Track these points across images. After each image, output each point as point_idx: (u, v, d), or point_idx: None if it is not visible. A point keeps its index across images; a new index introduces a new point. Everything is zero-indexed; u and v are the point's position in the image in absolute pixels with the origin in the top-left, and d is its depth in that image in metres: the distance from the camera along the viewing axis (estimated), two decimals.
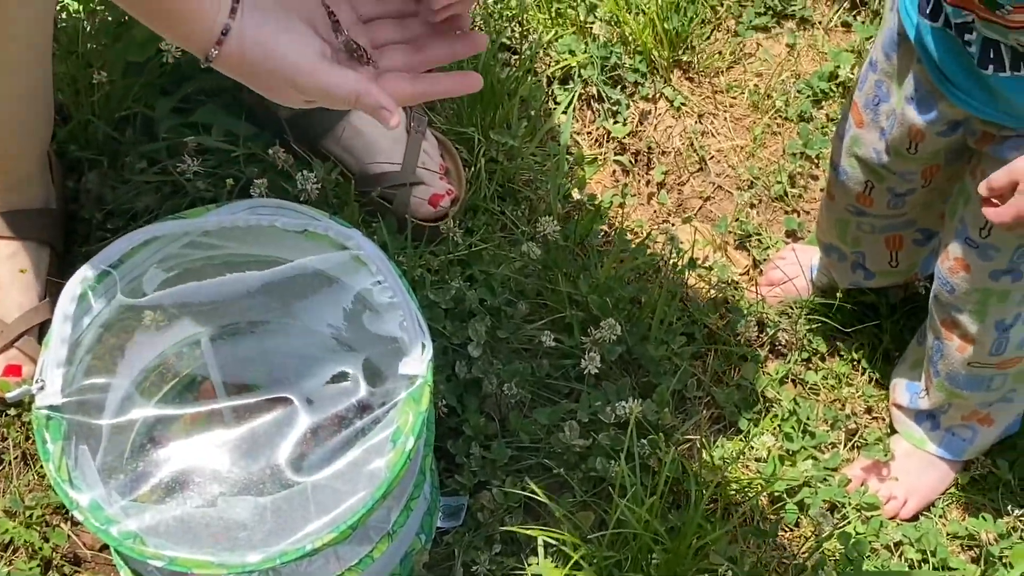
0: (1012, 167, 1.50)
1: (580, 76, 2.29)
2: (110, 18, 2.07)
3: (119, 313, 1.46)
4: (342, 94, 1.25)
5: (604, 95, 2.29)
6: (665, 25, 2.32)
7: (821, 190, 2.24)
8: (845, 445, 1.99)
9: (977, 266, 1.70)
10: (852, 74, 2.34)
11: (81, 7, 2.10)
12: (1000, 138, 1.58)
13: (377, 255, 1.45)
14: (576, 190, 2.12)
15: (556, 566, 1.73)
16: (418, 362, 1.41)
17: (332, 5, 1.29)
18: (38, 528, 1.77)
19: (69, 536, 1.78)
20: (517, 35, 2.29)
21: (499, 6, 2.32)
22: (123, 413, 1.49)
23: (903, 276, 2.00)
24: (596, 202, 2.12)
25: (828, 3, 2.49)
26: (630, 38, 2.33)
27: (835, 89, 2.36)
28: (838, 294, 2.06)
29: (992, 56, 1.49)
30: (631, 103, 2.31)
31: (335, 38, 1.29)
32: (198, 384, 1.63)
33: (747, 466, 1.91)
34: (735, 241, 2.21)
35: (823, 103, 2.35)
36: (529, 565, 1.76)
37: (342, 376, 1.51)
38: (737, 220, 2.21)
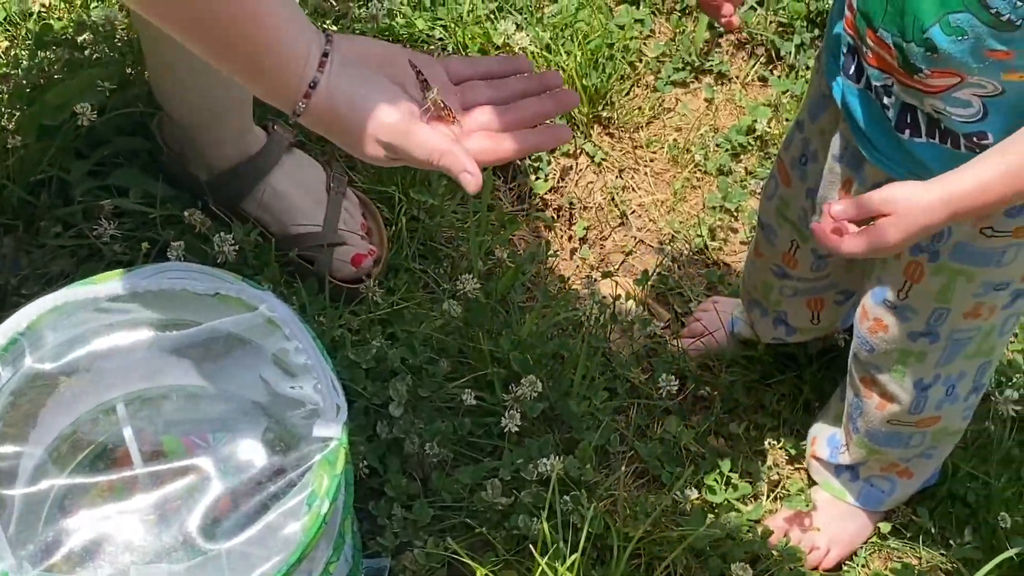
0: (871, 197, 1.43)
1: None
2: (24, 82, 2.05)
3: (29, 380, 1.44)
4: (425, 152, 1.22)
5: None
6: (584, 82, 2.33)
7: (742, 243, 2.26)
8: (768, 496, 1.99)
9: (895, 327, 1.71)
10: (769, 127, 2.37)
11: None
12: None
13: (290, 317, 1.44)
14: (498, 247, 2.12)
15: None
16: (333, 424, 1.39)
17: (423, 66, 1.28)
18: None
19: None
20: None
21: None
22: (36, 482, 1.47)
23: (824, 331, 2.01)
24: (518, 258, 2.12)
25: (745, 58, 2.51)
26: None
27: (753, 142, 2.38)
28: (759, 346, 2.07)
29: (909, 120, 1.50)
30: (552, 159, 2.32)
31: (422, 98, 1.26)
32: (113, 451, 1.60)
33: (670, 520, 1.91)
34: (657, 295, 2.22)
35: (741, 156, 2.37)
36: None
37: (257, 440, 1.49)
38: (659, 274, 2.22)
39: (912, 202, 1.41)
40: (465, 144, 1.25)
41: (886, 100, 1.50)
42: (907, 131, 1.51)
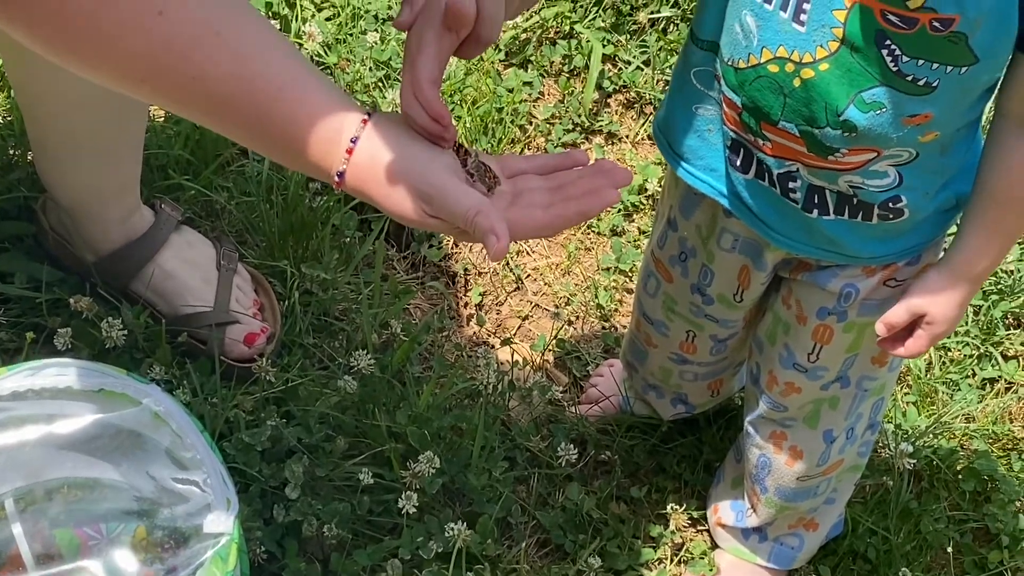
0: (909, 303, 1.54)
1: None
2: None
3: None
4: (463, 207, 1.17)
5: None
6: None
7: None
8: (671, 561, 1.99)
9: (808, 386, 1.73)
10: (659, 186, 2.38)
11: None
12: (817, 267, 1.61)
13: (176, 411, 1.42)
14: (393, 318, 2.11)
15: None
16: (224, 519, 1.38)
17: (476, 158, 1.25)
18: None
19: None
20: None
21: None
22: None
23: (724, 399, 2.03)
24: (413, 329, 2.11)
25: (634, 117, 2.53)
26: None
27: (645, 202, 2.40)
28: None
29: (816, 201, 1.51)
30: None
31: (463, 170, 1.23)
32: (4, 552, 1.56)
33: None
34: (555, 359, 2.22)
35: (634, 216, 2.39)
36: None
37: (149, 536, 1.46)
38: (556, 338, 2.22)
39: (940, 299, 1.53)
40: (511, 214, 1.20)
41: (791, 185, 1.50)
42: (815, 211, 1.52)
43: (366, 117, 1.20)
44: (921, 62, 1.33)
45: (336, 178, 1.19)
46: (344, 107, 1.19)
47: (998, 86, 1.42)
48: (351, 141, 1.18)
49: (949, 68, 1.33)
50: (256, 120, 1.16)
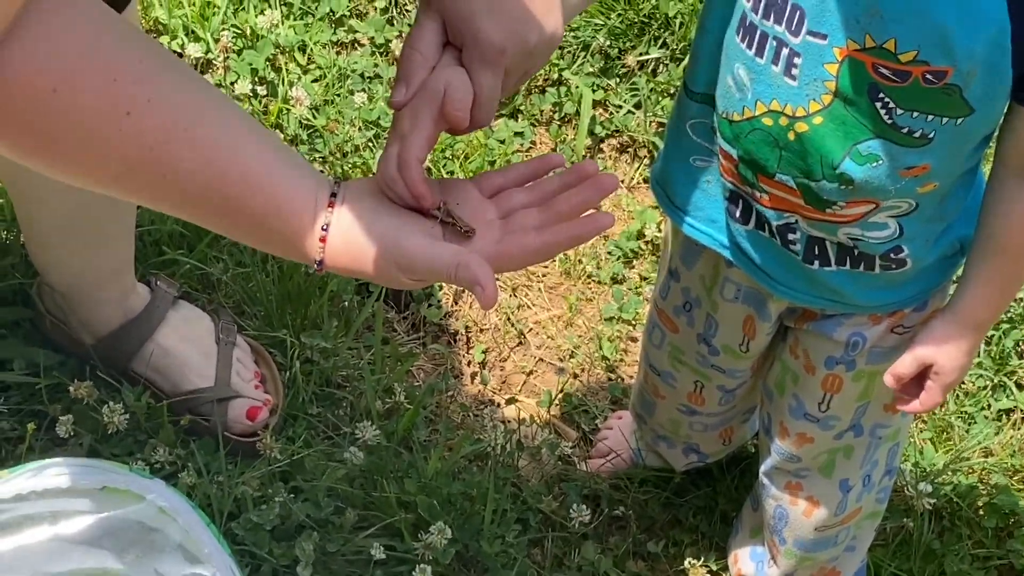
0: (916, 354, 1.53)
1: None
2: None
3: None
4: (444, 267, 1.15)
5: None
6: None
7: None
8: None
9: (821, 436, 1.71)
10: (659, 231, 2.36)
11: None
12: (822, 316, 1.60)
13: (181, 505, 1.40)
14: (396, 383, 2.09)
15: None
16: None
17: (455, 188, 1.22)
18: None
19: None
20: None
21: None
22: None
23: (736, 447, 2.01)
24: (417, 394, 2.09)
25: (628, 161, 2.52)
26: None
27: (644, 247, 2.38)
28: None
29: (817, 252, 1.50)
30: (443, 285, 2.30)
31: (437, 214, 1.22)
32: None
33: None
34: (562, 414, 2.19)
35: (634, 262, 2.37)
36: None
37: None
38: (562, 392, 2.20)
39: (947, 348, 1.51)
40: (503, 246, 1.19)
41: (791, 236, 1.49)
42: (816, 262, 1.51)
43: (333, 196, 1.17)
44: (916, 114, 1.32)
45: (316, 266, 1.18)
46: (314, 190, 1.17)
47: (996, 135, 1.41)
48: (323, 229, 1.16)
49: (945, 120, 1.32)
50: (229, 214, 1.15)
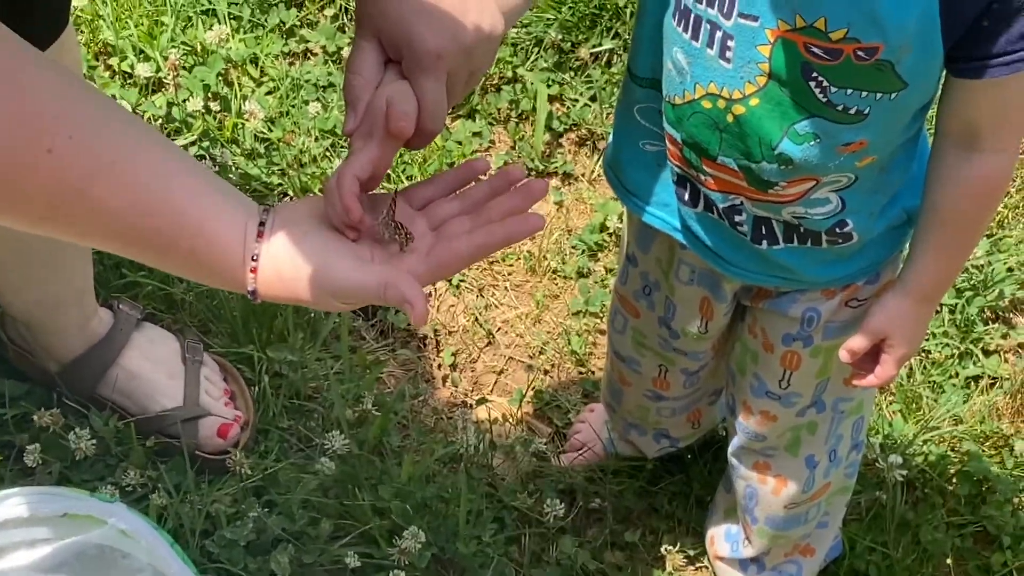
0: (869, 328, 1.53)
1: None
2: None
3: None
4: (372, 290, 1.14)
5: None
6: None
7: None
8: None
9: (784, 413, 1.71)
10: (620, 222, 2.36)
11: None
12: (776, 293, 1.60)
13: (144, 528, 1.40)
14: (366, 391, 2.08)
15: None
16: None
17: (384, 203, 1.20)
18: None
19: None
20: None
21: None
22: None
23: (706, 430, 2.01)
24: (387, 400, 2.08)
25: (588, 154, 2.52)
26: None
27: (608, 239, 2.38)
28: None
29: (764, 232, 1.50)
30: None
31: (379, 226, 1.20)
32: None
33: None
34: (535, 410, 2.19)
35: (598, 255, 2.37)
36: None
37: None
38: (533, 389, 2.20)
39: (899, 321, 1.51)
40: (436, 256, 1.17)
41: (737, 218, 1.49)
42: (764, 242, 1.51)
43: (262, 225, 1.16)
44: (850, 91, 1.32)
45: (250, 295, 1.18)
46: (243, 221, 1.16)
47: (935, 105, 1.41)
48: (253, 260, 1.15)
49: (879, 95, 1.32)
50: (160, 250, 1.14)
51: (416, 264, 1.16)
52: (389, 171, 2.34)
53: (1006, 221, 2.39)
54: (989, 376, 2.24)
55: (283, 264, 1.15)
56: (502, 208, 1.21)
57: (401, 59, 1.22)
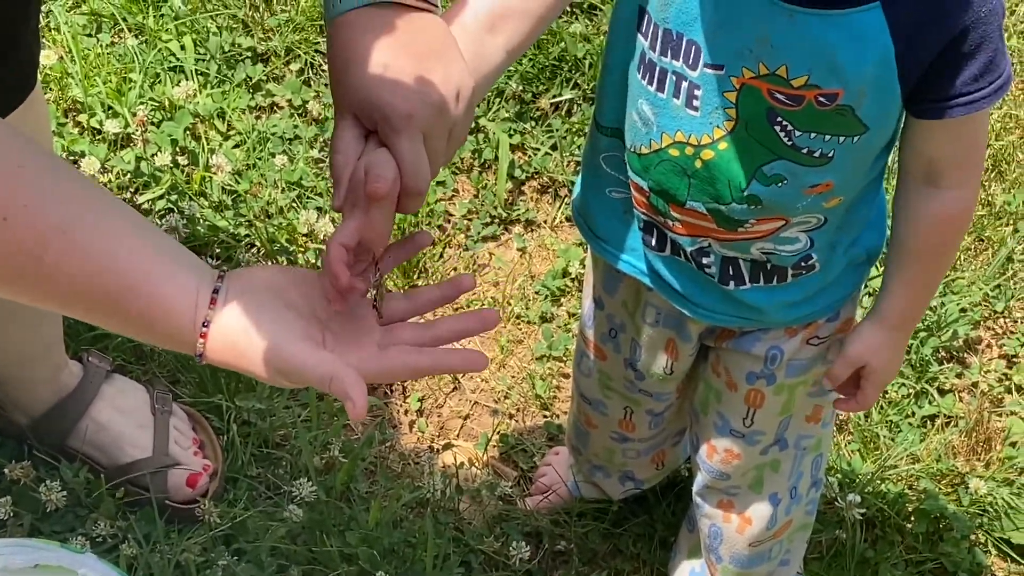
0: (848, 356, 1.55)
1: None
2: None
3: None
4: (318, 378, 1.14)
5: None
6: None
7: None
8: None
9: (748, 451, 1.71)
10: (582, 267, 2.39)
11: None
12: (740, 333, 1.61)
13: None
14: (333, 438, 2.10)
15: None
16: None
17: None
18: None
19: None
20: None
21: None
22: None
23: (670, 471, 2.03)
24: (354, 447, 2.10)
25: (549, 201, 2.54)
26: None
27: (570, 284, 2.40)
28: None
29: (732, 273, 1.51)
30: None
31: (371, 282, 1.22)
32: None
33: None
34: (500, 454, 2.21)
35: (561, 300, 2.39)
36: None
37: None
38: (498, 434, 2.22)
39: (876, 348, 1.54)
40: (387, 361, 1.18)
41: (705, 260, 1.50)
42: (731, 282, 1.52)
43: (215, 292, 1.16)
44: (814, 135, 1.33)
45: (198, 359, 1.17)
46: (195, 288, 1.15)
47: (896, 145, 1.42)
48: (204, 326, 1.15)
49: (842, 138, 1.33)
50: (113, 315, 1.14)
51: (367, 360, 1.16)
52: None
53: (959, 263, 2.42)
54: (944, 415, 2.26)
55: (234, 334, 1.15)
56: (453, 328, 1.22)
57: (377, 128, 1.22)
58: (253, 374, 1.16)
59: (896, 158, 1.45)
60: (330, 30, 1.25)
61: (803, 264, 1.50)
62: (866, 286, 1.77)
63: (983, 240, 2.46)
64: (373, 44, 1.22)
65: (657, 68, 1.37)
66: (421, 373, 1.21)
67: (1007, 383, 2.32)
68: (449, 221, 2.47)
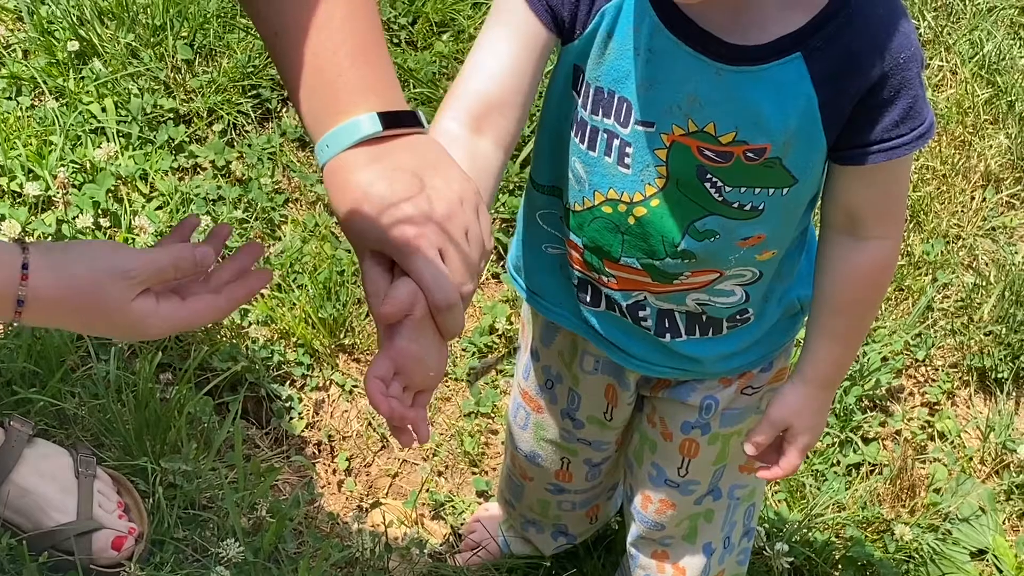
0: (770, 419, 1.53)
1: (246, 380, 2.27)
2: None
3: None
4: (165, 260, 1.23)
5: (274, 394, 2.28)
6: (320, 314, 2.33)
7: (502, 442, 2.27)
8: None
9: (682, 501, 1.71)
10: (509, 324, 2.40)
11: None
12: (675, 383, 1.61)
13: None
14: (260, 499, 2.08)
15: None
16: None
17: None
18: None
19: None
20: (175, 353, 2.26)
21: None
22: None
23: (602, 524, 2.03)
24: (282, 506, 2.08)
25: None
26: (288, 333, 2.33)
27: (497, 341, 2.40)
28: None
29: (667, 325, 1.51)
30: (303, 396, 2.30)
31: None
32: None
33: None
34: (429, 512, 2.20)
35: (488, 357, 2.39)
36: None
37: None
38: (427, 491, 2.21)
39: (799, 410, 1.52)
40: (188, 306, 1.25)
41: (641, 313, 1.50)
42: (667, 335, 1.52)
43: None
44: (744, 189, 1.34)
45: (16, 311, 1.18)
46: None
47: (819, 197, 1.43)
48: (23, 267, 1.18)
49: (771, 191, 1.35)
50: None
51: (176, 310, 1.26)
52: (279, 279, 2.35)
53: (880, 312, 2.46)
54: (869, 463, 2.28)
55: (60, 261, 1.20)
56: (231, 268, 1.30)
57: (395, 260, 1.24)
58: (85, 306, 1.21)
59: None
60: (325, 176, 1.26)
61: (738, 316, 1.51)
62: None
63: (903, 289, 2.50)
64: (368, 180, 1.23)
65: (589, 127, 1.39)
66: (222, 311, 1.28)
67: (930, 430, 2.35)
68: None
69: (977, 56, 2.82)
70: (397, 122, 1.26)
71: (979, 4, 2.94)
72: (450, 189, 1.24)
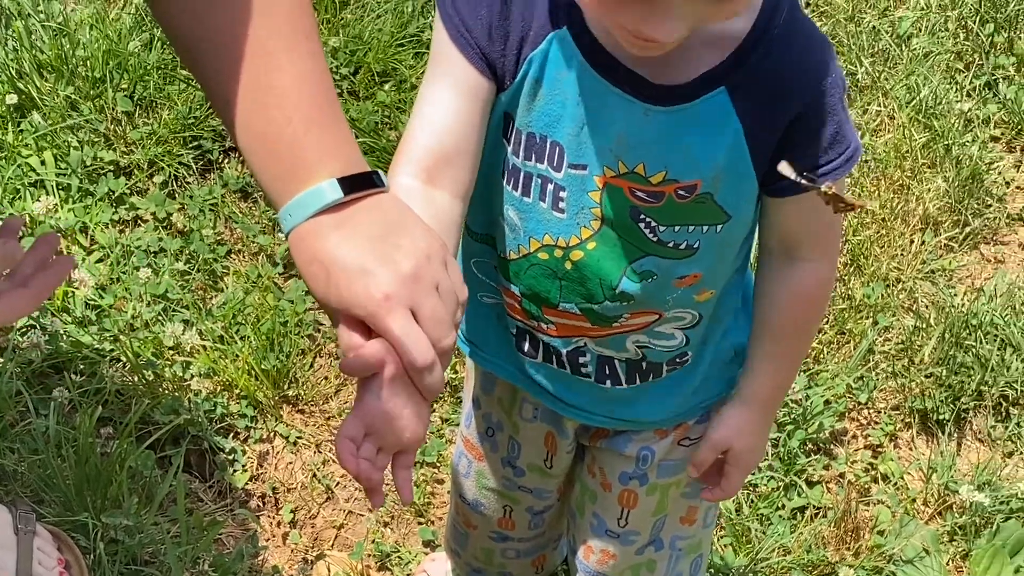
0: (712, 440, 1.54)
1: (189, 433, 2.25)
2: None
3: None
4: None
5: (217, 447, 2.26)
6: (264, 366, 2.32)
7: (448, 491, 2.26)
8: None
9: (623, 552, 1.70)
10: (454, 373, 2.39)
11: None
12: (613, 433, 1.60)
13: None
14: (203, 552, 2.06)
15: None
16: None
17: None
18: None
19: None
20: (116, 407, 2.25)
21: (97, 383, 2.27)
22: None
23: (548, 574, 2.02)
24: (226, 560, 2.06)
25: None
26: (231, 385, 2.32)
27: (445, 390, 2.40)
28: None
29: (608, 372, 1.51)
30: (247, 448, 2.28)
31: None
32: None
33: None
34: (376, 563, 2.19)
35: (434, 406, 2.38)
36: None
37: None
38: (373, 542, 2.19)
39: (741, 431, 1.53)
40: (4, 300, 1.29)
41: (581, 360, 1.49)
42: (608, 382, 1.51)
43: None
44: (678, 228, 1.34)
45: None
46: None
47: (756, 228, 1.44)
48: None
49: (705, 228, 1.35)
50: None
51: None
52: (222, 331, 2.34)
53: (821, 356, 2.47)
54: (814, 506, 2.29)
55: None
56: (33, 259, 1.34)
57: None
58: None
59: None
60: (291, 243, 1.25)
61: (677, 360, 1.51)
62: None
63: (844, 333, 2.52)
64: (334, 247, 1.23)
65: (522, 173, 1.38)
66: (33, 301, 1.31)
67: (873, 472, 2.36)
68: (318, 330, 2.46)
69: (914, 101, 2.86)
70: (358, 185, 1.26)
71: (915, 50, 2.98)
72: (416, 246, 1.24)
